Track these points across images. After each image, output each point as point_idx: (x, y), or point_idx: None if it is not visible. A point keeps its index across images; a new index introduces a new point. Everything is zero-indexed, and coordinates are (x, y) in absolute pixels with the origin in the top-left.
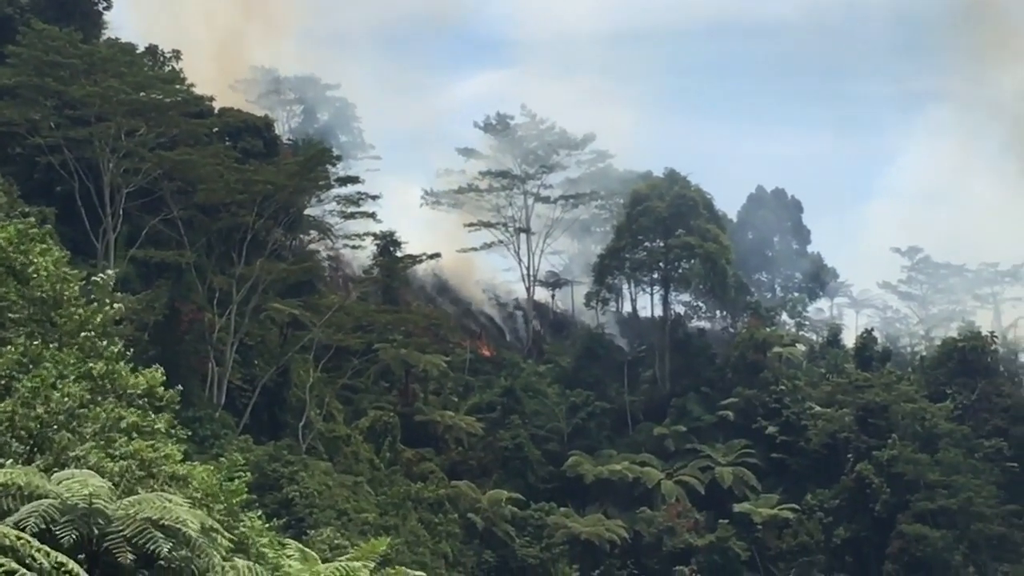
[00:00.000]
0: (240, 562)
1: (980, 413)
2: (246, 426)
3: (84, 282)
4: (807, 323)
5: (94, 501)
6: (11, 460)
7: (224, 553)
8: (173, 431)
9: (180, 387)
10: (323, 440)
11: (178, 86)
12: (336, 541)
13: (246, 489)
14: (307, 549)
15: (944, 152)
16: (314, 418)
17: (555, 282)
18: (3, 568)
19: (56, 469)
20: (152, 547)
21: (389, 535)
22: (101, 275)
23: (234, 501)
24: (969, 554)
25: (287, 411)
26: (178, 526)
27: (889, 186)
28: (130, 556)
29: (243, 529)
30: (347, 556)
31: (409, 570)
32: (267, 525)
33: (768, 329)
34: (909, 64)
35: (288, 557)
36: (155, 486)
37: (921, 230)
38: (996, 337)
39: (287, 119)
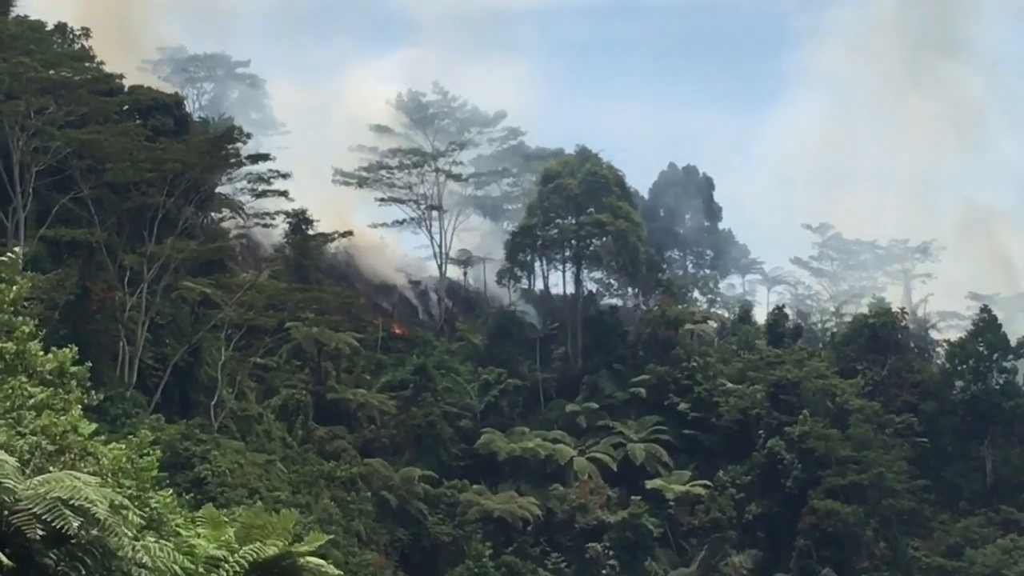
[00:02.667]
0: (151, 541)
1: (890, 389)
2: (158, 405)
3: None
4: (718, 300)
5: (2, 480)
6: None
7: (135, 531)
8: (83, 406)
9: (89, 364)
10: (235, 419)
11: (88, 64)
12: (241, 512)
13: (156, 465)
14: (219, 513)
15: (855, 129)
16: (226, 397)
17: (467, 260)
18: None
19: None
20: (61, 525)
21: (301, 513)
22: (9, 253)
23: (145, 478)
24: (880, 529)
25: (199, 390)
26: (88, 505)
27: (800, 162)
28: (39, 532)
29: (154, 506)
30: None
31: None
32: (178, 503)
33: (680, 306)
34: (819, 41)
35: (198, 534)
36: (66, 461)
37: (832, 207)
38: (906, 313)
39: (197, 97)
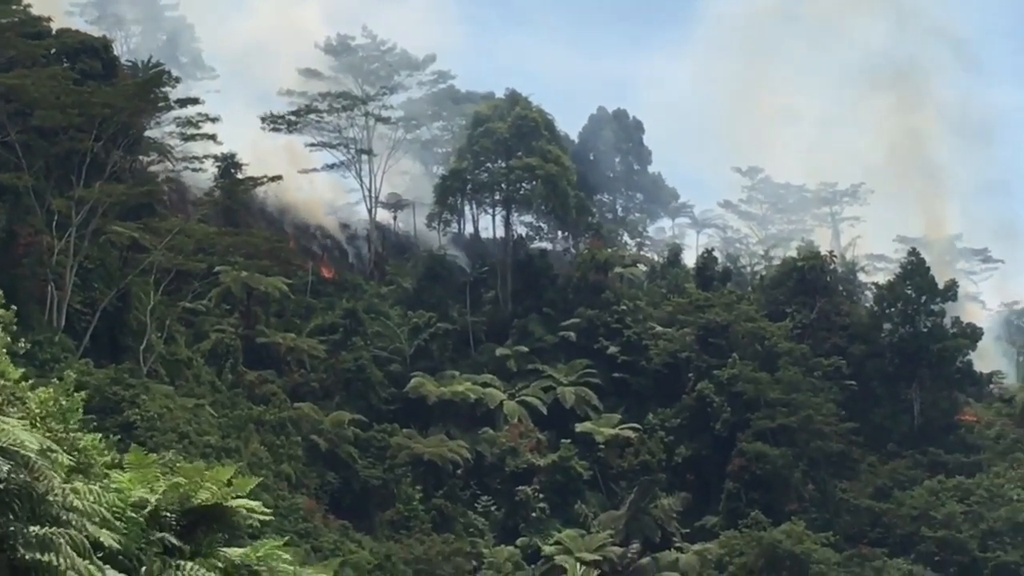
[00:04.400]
0: (80, 484)
1: (819, 332)
2: (86, 349)
3: None
4: (648, 243)
5: None
6: None
7: (64, 475)
8: (10, 352)
9: (15, 308)
10: (164, 363)
11: (15, 7)
12: (178, 464)
13: (81, 405)
14: (147, 457)
15: (783, 74)
16: (155, 341)
17: (397, 203)
18: None
19: None
20: None
21: (231, 457)
22: None
23: (71, 420)
24: (808, 471)
25: (128, 334)
26: (16, 448)
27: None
28: None
29: (82, 448)
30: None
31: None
32: (106, 447)
33: (609, 250)
34: None
35: (127, 478)
36: None
37: (761, 150)
38: (835, 256)
39: (125, 40)
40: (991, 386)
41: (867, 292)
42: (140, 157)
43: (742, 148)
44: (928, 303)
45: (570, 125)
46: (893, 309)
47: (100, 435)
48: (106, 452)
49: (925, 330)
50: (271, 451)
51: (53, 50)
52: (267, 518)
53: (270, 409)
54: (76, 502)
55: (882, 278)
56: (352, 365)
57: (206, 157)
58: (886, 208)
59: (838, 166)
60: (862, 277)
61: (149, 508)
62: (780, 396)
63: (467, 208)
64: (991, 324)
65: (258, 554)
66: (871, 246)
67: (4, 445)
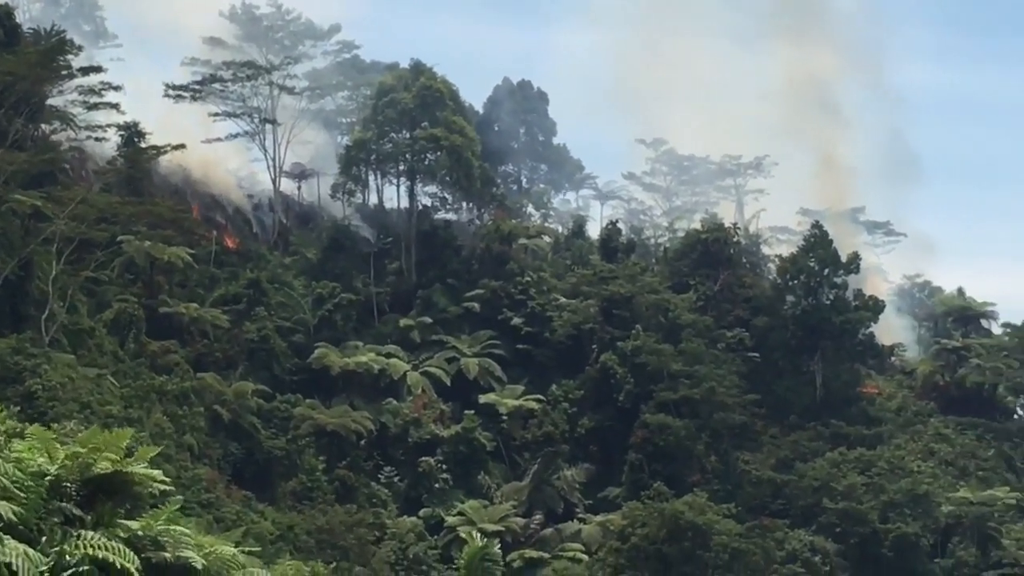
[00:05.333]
0: None
1: (722, 304)
2: None
3: None
4: (552, 215)
5: None
6: None
7: None
8: None
9: None
10: (66, 333)
11: None
12: (80, 434)
13: None
14: (47, 432)
15: (689, 45)
16: (57, 311)
17: (301, 173)
18: None
19: None
20: None
21: (133, 428)
22: None
23: None
24: (711, 443)
25: (30, 304)
26: None
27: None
28: None
29: None
30: (89, 446)
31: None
32: (7, 417)
33: (514, 221)
34: None
35: (28, 448)
36: None
37: (665, 122)
38: (738, 228)
39: (27, 6)
40: (893, 359)
41: (770, 264)
42: (42, 125)
43: (646, 119)
44: (831, 276)
45: (475, 96)
46: (796, 281)
47: (1, 404)
48: (6, 421)
49: (828, 302)
50: (173, 422)
51: None
52: (168, 488)
53: (172, 379)
54: None
55: (785, 250)
56: (255, 335)
57: (109, 126)
58: (789, 180)
59: (742, 136)
60: (765, 249)
61: (49, 478)
62: (683, 368)
63: (371, 179)
64: (893, 297)
65: (158, 524)
66: (775, 218)
67: None
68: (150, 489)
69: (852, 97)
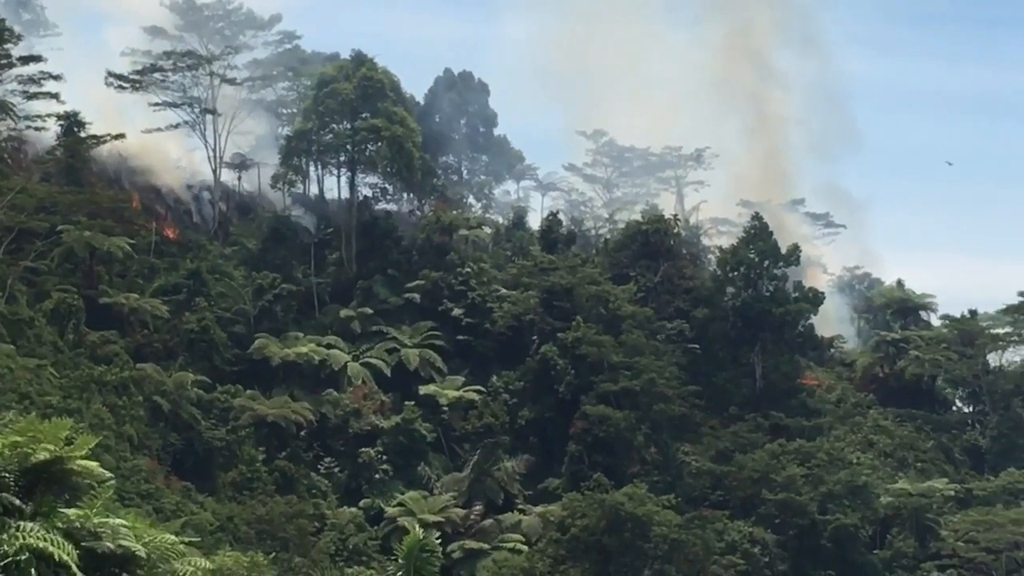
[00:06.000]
0: None
1: (663, 295)
2: None
3: None
4: (493, 206)
5: None
6: None
7: None
8: None
9: None
10: (5, 323)
11: None
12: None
13: None
14: None
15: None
16: None
17: (241, 163)
18: None
19: None
20: None
21: (72, 418)
22: None
23: None
24: (651, 434)
25: None
26: None
27: (573, 66)
28: None
29: None
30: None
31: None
32: None
33: (455, 212)
34: None
35: None
36: None
37: (606, 113)
38: (679, 220)
39: None
40: (832, 350)
41: (711, 256)
42: None
43: (586, 110)
44: (771, 267)
45: (416, 87)
46: (736, 273)
47: None
48: None
49: (767, 294)
50: (113, 412)
51: None
52: (107, 477)
53: (112, 370)
54: None
55: (726, 242)
56: (195, 326)
57: (48, 116)
58: (729, 172)
59: (681, 113)
60: (706, 241)
61: None
62: (623, 359)
63: (312, 169)
64: (833, 289)
65: (96, 515)
66: (715, 210)
67: None
68: (88, 480)
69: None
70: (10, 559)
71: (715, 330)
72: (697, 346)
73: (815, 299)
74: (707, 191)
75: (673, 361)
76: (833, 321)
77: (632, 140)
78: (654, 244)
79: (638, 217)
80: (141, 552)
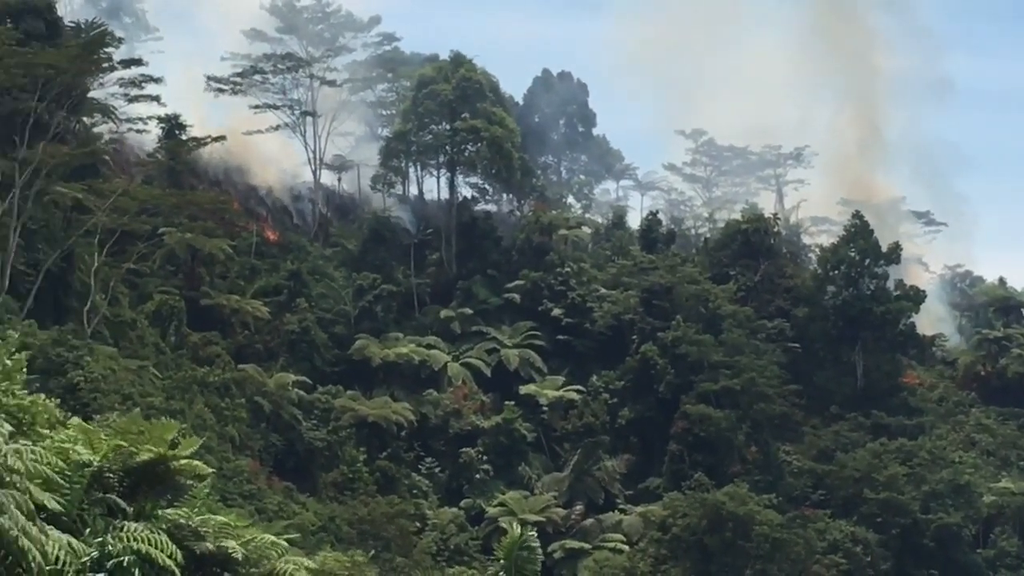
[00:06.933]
0: (23, 445)
1: (763, 294)
2: (30, 311)
3: None
4: (592, 206)
5: None
6: None
7: (6, 437)
8: None
9: None
10: (108, 325)
11: None
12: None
13: (25, 363)
14: (88, 425)
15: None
16: (99, 303)
17: (341, 165)
18: None
19: None
20: None
21: (175, 419)
22: None
23: (15, 381)
24: (751, 433)
25: (72, 296)
26: None
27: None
28: None
29: (25, 406)
30: (132, 435)
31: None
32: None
33: (554, 212)
34: None
35: (71, 439)
36: None
37: (705, 112)
38: (778, 219)
39: (68, 0)
40: (934, 349)
41: (811, 255)
42: (84, 118)
43: (687, 110)
44: (871, 266)
45: (515, 87)
46: (837, 272)
47: (44, 396)
48: (51, 409)
49: (868, 293)
50: (215, 413)
51: None
52: (208, 475)
53: (214, 371)
54: (19, 463)
55: (826, 241)
56: (296, 327)
57: (150, 118)
58: (831, 170)
59: (784, 127)
60: (806, 240)
61: (92, 469)
62: (723, 358)
63: (412, 170)
64: (934, 287)
65: (198, 514)
66: (815, 209)
67: None
68: (190, 480)
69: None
70: (115, 560)
71: (815, 329)
72: (797, 345)
73: (916, 297)
74: (807, 190)
75: (773, 360)
76: (935, 319)
77: (731, 139)
78: (754, 243)
79: (738, 216)
80: (239, 553)
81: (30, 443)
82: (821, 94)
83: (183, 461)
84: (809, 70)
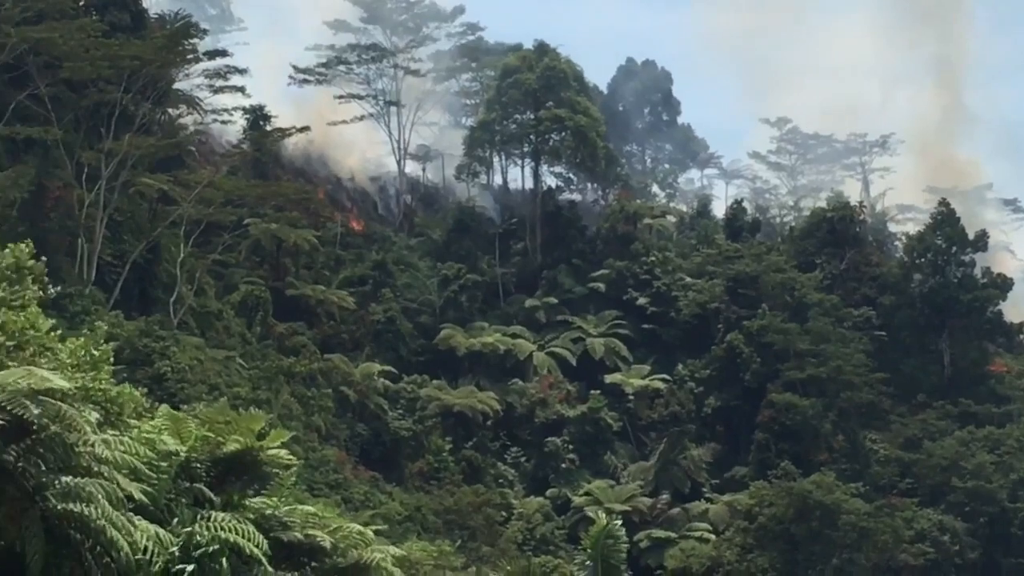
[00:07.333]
0: (111, 435)
1: (849, 282)
2: (116, 302)
3: None
4: (677, 194)
5: None
6: None
7: (94, 426)
8: (40, 303)
9: (45, 259)
10: (194, 315)
11: None
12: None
13: (112, 354)
14: (177, 413)
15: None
16: (185, 293)
17: (426, 155)
18: None
19: None
20: (21, 413)
21: (261, 409)
22: None
23: (102, 371)
24: (838, 422)
25: (158, 287)
26: (46, 398)
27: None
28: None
29: (112, 397)
30: (219, 425)
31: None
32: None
33: (638, 201)
34: None
35: (158, 428)
36: (25, 357)
37: (789, 98)
38: (864, 207)
39: None
40: (1021, 336)
41: (897, 243)
42: (169, 109)
43: (770, 96)
44: (958, 253)
45: (599, 76)
46: (923, 259)
47: (130, 386)
48: (139, 399)
49: (955, 280)
50: (301, 403)
51: (81, 2)
52: (295, 467)
53: (300, 361)
54: (107, 453)
55: (912, 228)
56: (382, 317)
57: (235, 109)
58: (915, 152)
59: (867, 109)
60: (892, 227)
61: (179, 459)
62: (810, 347)
63: (496, 159)
64: (1022, 274)
65: (285, 503)
66: (901, 196)
67: (35, 386)
68: (277, 469)
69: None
70: (203, 549)
71: (902, 317)
72: (884, 333)
73: (1004, 285)
74: (893, 177)
75: (860, 348)
76: (1022, 307)
77: (814, 122)
78: (840, 231)
79: (823, 204)
80: (326, 542)
81: (118, 433)
82: (905, 72)
83: (270, 452)
84: (893, 50)
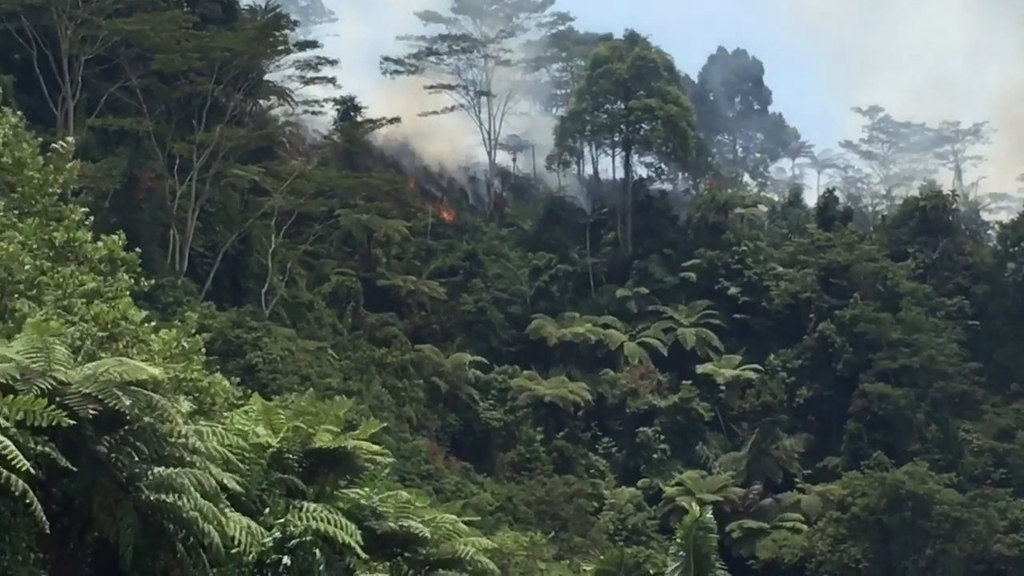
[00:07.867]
0: (203, 425)
1: (941, 272)
2: (208, 293)
3: (45, 152)
4: (768, 184)
5: (54, 366)
6: None
7: (186, 417)
8: (133, 294)
9: (138, 250)
10: (286, 306)
11: None
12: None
13: (204, 345)
14: (270, 405)
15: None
16: (277, 284)
17: (516, 145)
18: None
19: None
20: (113, 404)
21: (353, 400)
22: (61, 142)
23: (194, 362)
24: (931, 412)
25: (249, 277)
26: (141, 377)
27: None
28: (91, 412)
29: (204, 387)
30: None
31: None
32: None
33: (730, 190)
34: None
35: (251, 420)
36: (117, 348)
37: (880, 82)
38: (957, 196)
39: None
40: None
41: (990, 232)
42: (260, 101)
43: (861, 81)
44: None
45: (689, 66)
46: (1017, 248)
47: (223, 377)
48: (230, 391)
49: None
50: (393, 393)
51: None
52: (390, 461)
53: (391, 351)
54: (199, 444)
55: (1005, 217)
56: (473, 307)
57: (325, 100)
58: (1010, 146)
59: (961, 103)
60: (985, 216)
61: (271, 450)
62: (902, 336)
63: (587, 149)
64: None
65: (378, 493)
66: (994, 185)
67: (126, 376)
68: (369, 460)
69: None
70: (296, 540)
71: (996, 306)
72: (977, 322)
73: None
74: (985, 166)
75: (953, 338)
76: None
77: (905, 107)
78: (932, 220)
79: (915, 193)
80: (425, 532)
81: (210, 424)
82: (997, 56)
83: (361, 443)
84: (986, 33)
